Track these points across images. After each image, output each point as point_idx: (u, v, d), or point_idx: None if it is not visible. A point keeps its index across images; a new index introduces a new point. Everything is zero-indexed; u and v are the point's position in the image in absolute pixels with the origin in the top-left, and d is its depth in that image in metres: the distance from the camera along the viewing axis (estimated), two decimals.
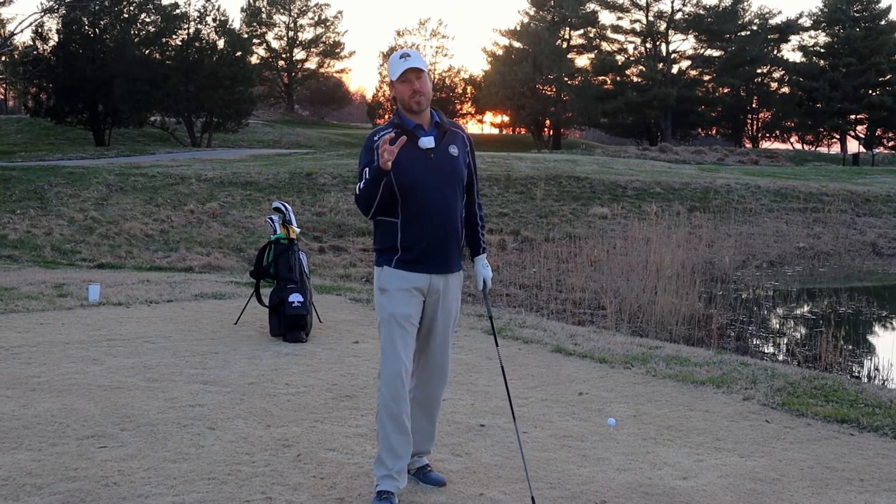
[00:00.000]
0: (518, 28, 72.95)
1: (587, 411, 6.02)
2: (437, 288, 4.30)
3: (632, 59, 77.34)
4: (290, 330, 8.27)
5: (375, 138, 4.18)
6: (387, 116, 74.37)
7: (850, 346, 11.61)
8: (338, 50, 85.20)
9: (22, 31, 61.77)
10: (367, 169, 4.15)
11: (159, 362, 7.23)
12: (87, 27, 50.14)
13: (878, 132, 74.23)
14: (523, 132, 78.43)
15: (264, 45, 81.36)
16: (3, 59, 50.55)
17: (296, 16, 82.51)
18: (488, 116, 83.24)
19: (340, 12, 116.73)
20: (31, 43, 50.35)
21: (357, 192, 4.20)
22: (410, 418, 4.40)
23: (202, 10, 52.61)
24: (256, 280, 9.04)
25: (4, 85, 71.62)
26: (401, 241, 4.22)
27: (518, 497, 4.41)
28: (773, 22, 76.20)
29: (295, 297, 8.36)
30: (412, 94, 4.21)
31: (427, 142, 4.17)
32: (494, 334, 4.74)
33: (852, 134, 75.62)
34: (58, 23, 49.42)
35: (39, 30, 49.51)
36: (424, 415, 4.51)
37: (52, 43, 50.25)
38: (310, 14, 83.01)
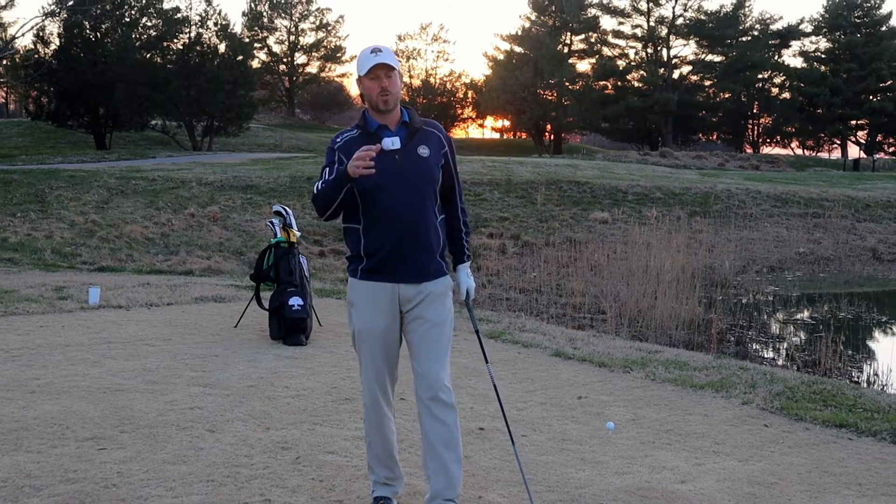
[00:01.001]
0: (519, 33, 72.98)
1: (586, 415, 6.02)
2: (410, 297, 4.01)
3: (633, 64, 77.33)
4: (290, 333, 8.28)
5: (338, 139, 4.02)
6: None
7: (850, 352, 11.62)
8: (339, 54, 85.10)
9: (23, 34, 61.86)
10: (327, 169, 3.94)
11: (159, 365, 7.24)
12: (88, 31, 50.18)
13: (879, 138, 74.19)
14: (524, 137, 78.45)
15: (265, 49, 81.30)
16: (5, 62, 50.56)
17: (297, 20, 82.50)
18: (489, 121, 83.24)
19: (342, 17, 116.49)
20: (33, 46, 50.36)
21: (315, 191, 3.94)
22: (424, 447, 4.06)
23: (203, 15, 52.58)
24: (256, 283, 9.06)
25: (6, 88, 71.62)
26: (364, 248, 3.98)
27: (516, 500, 4.41)
28: (774, 27, 76.18)
29: (295, 301, 8.37)
30: (380, 92, 3.91)
31: (390, 143, 3.86)
32: (483, 350, 4.39)
33: (853, 139, 75.62)
34: (59, 27, 49.44)
35: (41, 33, 49.54)
36: (433, 448, 4.01)
37: (53, 46, 50.24)
38: (311, 18, 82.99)
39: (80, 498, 4.29)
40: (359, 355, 4.14)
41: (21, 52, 49.81)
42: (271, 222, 9.30)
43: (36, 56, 49.54)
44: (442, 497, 3.99)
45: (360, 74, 3.95)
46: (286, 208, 9.37)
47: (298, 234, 9.31)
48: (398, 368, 4.20)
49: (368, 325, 4.05)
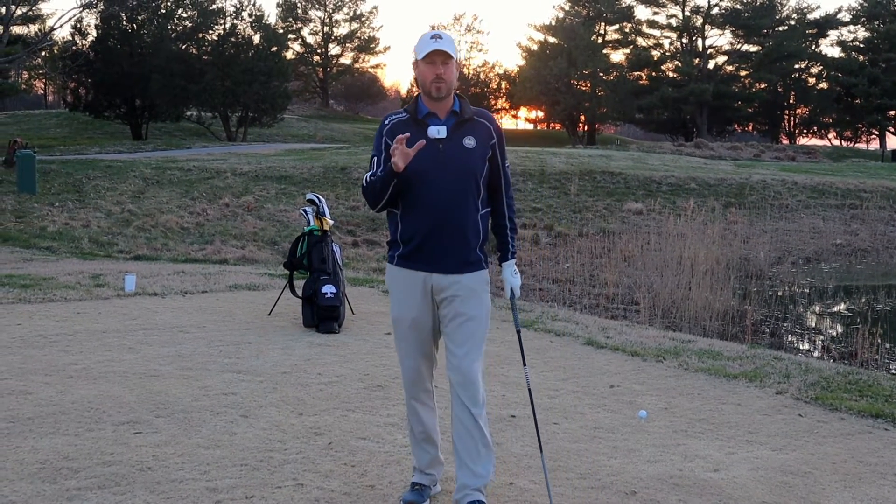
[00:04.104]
0: (553, 23, 72.64)
1: (618, 403, 6.01)
2: (443, 287, 3.99)
3: (667, 54, 76.77)
4: (323, 321, 8.32)
5: (386, 122, 4.07)
6: None
7: (887, 344, 11.47)
8: (373, 45, 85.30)
9: (61, 26, 62.62)
10: (375, 158, 4.04)
11: (193, 351, 7.30)
12: (124, 23, 50.62)
13: None
14: (558, 128, 78.13)
15: (300, 40, 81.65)
16: (44, 54, 51.15)
17: (331, 11, 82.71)
18: (523, 112, 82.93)
19: (375, 7, 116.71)
20: (71, 38, 50.98)
21: (365, 184, 4.00)
22: (454, 438, 4.06)
23: (238, 6, 52.87)
24: (290, 271, 9.11)
25: (44, 80, 72.51)
26: (400, 234, 4.02)
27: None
28: (811, 17, 75.26)
29: (328, 289, 8.41)
30: (434, 78, 3.92)
31: (436, 131, 3.90)
32: (522, 353, 4.31)
33: (892, 130, 74.50)
34: (96, 18, 49.97)
35: (78, 25, 50.14)
36: (462, 438, 4.01)
37: (90, 38, 50.79)
38: (345, 9, 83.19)
39: (116, 480, 4.35)
40: (395, 343, 4.17)
41: (59, 43, 50.39)
42: (304, 210, 9.34)
43: (74, 47, 50.12)
44: (470, 487, 3.98)
45: (418, 58, 3.95)
46: (319, 196, 9.41)
47: (331, 222, 9.35)
48: (434, 358, 4.19)
49: (401, 313, 4.07)
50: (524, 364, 4.30)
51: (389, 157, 3.89)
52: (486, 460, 4.02)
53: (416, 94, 4.11)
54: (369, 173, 4.01)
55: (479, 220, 4.02)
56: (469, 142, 3.98)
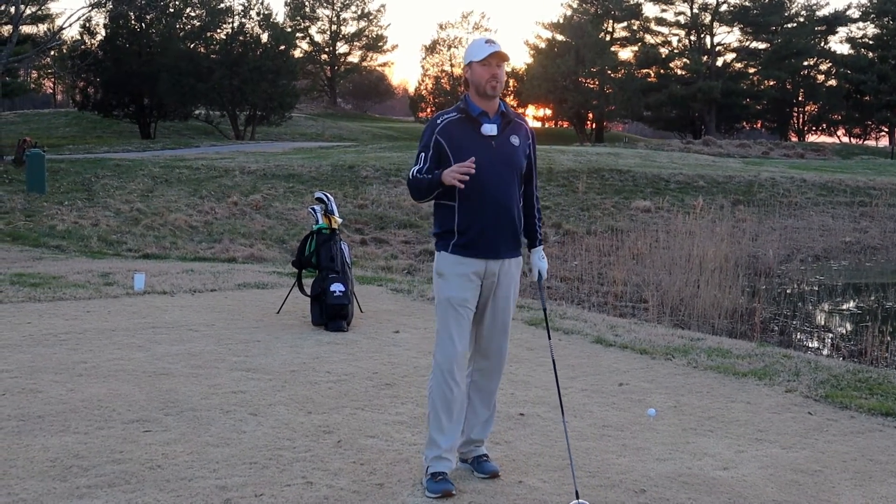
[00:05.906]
0: (561, 21, 72.47)
1: (627, 401, 6.00)
2: (494, 271, 4.35)
3: (676, 51, 76.55)
4: (332, 319, 8.33)
5: (439, 121, 4.35)
6: (429, 111, 74.36)
7: None
8: (380, 43, 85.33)
9: (70, 25, 62.73)
10: (423, 154, 4.29)
11: (203, 349, 7.32)
12: (133, 22, 50.72)
13: None
14: (565, 125, 78.02)
15: (308, 38, 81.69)
16: (53, 53, 51.24)
17: (339, 10, 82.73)
18: (531, 110, 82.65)
19: (383, 6, 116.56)
20: (79, 37, 51.06)
21: (411, 178, 4.28)
22: (468, 404, 4.52)
23: (246, 5, 52.94)
24: (298, 270, 9.11)
25: (53, 79, 72.67)
26: (457, 225, 4.30)
27: (557, 485, 4.41)
28: (820, 14, 74.95)
29: (336, 287, 8.42)
30: (490, 78, 4.28)
31: (489, 129, 4.26)
32: (547, 326, 4.85)
33: None
34: (105, 17, 50.05)
35: (87, 24, 50.23)
36: (482, 401, 4.55)
37: (99, 37, 50.91)
38: (353, 8, 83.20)
39: (126, 478, 4.36)
40: (442, 323, 4.34)
41: (68, 42, 50.47)
42: (313, 209, 9.34)
43: (82, 47, 50.21)
44: (479, 441, 4.56)
45: (473, 60, 4.31)
46: (328, 195, 9.40)
47: (340, 220, 9.35)
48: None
49: (459, 295, 4.31)
50: (549, 337, 4.79)
51: (438, 155, 4.27)
52: (493, 417, 4.64)
53: (463, 94, 4.44)
54: (417, 168, 4.30)
55: (520, 209, 4.45)
56: (514, 140, 4.39)
